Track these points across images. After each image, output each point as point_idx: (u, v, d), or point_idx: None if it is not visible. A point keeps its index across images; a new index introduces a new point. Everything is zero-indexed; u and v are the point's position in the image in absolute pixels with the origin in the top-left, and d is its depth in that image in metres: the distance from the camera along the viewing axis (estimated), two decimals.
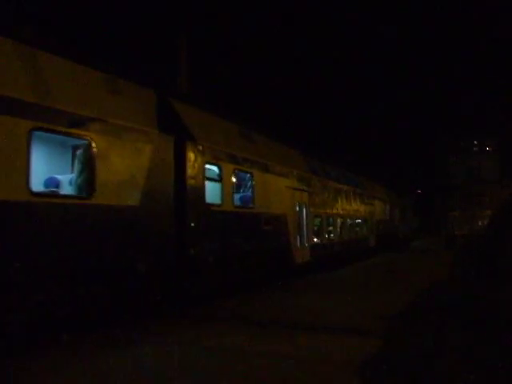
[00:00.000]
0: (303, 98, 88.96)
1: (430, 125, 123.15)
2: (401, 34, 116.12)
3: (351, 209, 29.47)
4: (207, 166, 14.72)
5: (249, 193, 17.52)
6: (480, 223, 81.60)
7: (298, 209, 21.36)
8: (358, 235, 31.04)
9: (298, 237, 21.20)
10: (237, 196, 16.97)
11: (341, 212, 27.48)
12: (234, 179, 16.08)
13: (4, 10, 10.21)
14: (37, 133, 9.14)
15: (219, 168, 15.33)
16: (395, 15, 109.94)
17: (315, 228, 23.99)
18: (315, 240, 23.37)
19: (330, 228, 26.28)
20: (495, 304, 11.87)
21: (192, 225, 13.30)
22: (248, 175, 17.46)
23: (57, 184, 10.63)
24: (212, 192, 14.97)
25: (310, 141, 49.84)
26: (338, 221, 27.36)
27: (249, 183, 17.58)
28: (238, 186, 17.39)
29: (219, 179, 15.31)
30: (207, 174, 14.66)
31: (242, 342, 9.16)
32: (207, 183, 14.57)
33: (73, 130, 9.91)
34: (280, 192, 19.47)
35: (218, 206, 15.09)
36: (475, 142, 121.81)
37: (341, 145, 69.60)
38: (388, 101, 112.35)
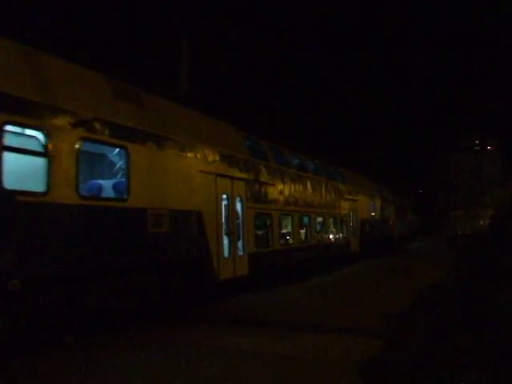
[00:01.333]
0: (305, 98, 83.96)
1: (431, 124, 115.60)
2: (401, 33, 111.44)
3: (321, 205, 22.72)
4: (10, 128, 8.27)
5: (120, 177, 11.00)
6: (482, 222, 75.97)
7: (225, 204, 14.79)
8: (333, 238, 24.33)
9: (226, 243, 14.62)
10: (92, 181, 10.50)
11: (304, 209, 20.75)
12: (79, 153, 9.51)
13: None
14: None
15: (44, 134, 8.79)
16: (395, 15, 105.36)
17: (259, 231, 17.39)
18: (258, 246, 16.72)
19: (286, 230, 19.64)
20: (496, 304, 11.31)
21: None
22: (119, 151, 10.93)
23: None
24: (24, 172, 8.51)
25: (311, 141, 46.47)
26: (300, 220, 20.71)
27: (121, 163, 11.04)
28: (94, 166, 10.95)
29: (43, 152, 8.78)
30: (8, 142, 8.19)
31: None
32: (8, 156, 8.11)
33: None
34: (189, 179, 12.84)
35: (39, 195, 8.56)
36: (476, 141, 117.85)
37: (341, 145, 64.00)
38: (389, 101, 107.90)
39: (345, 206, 25.93)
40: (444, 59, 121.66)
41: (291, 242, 19.40)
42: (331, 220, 24.35)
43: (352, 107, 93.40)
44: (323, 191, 22.84)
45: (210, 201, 13.76)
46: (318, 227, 22.71)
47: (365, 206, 29.97)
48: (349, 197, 26.51)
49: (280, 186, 18.57)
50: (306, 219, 21.19)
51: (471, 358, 7.49)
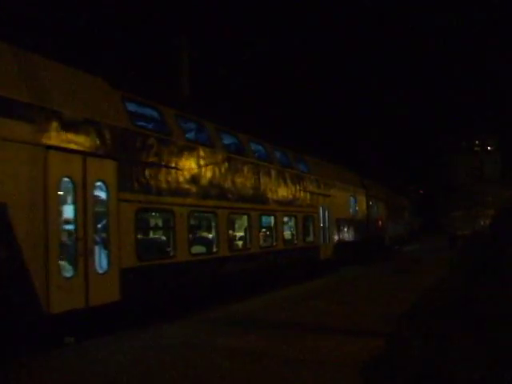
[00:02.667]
0: (305, 98, 79.36)
1: (432, 125, 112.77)
2: (402, 33, 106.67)
3: (270, 201, 16.50)
4: None
5: None
6: (482, 223, 77.81)
7: (69, 193, 8.84)
8: (291, 243, 18.09)
9: (70, 253, 8.67)
10: None
11: (239, 205, 14.62)
12: None
13: None
14: None
15: None
16: (395, 15, 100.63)
17: (147, 234, 11.30)
18: (145, 258, 10.57)
19: (206, 233, 13.54)
20: (497, 304, 10.79)
21: None
22: None
23: None
24: None
25: (311, 140, 45.52)
26: (232, 220, 14.66)
27: None
28: None
29: None
30: None
31: None
32: None
33: None
34: None
35: None
36: (476, 142, 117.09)
37: (341, 145, 62.83)
38: (389, 101, 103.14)
39: (311, 203, 19.68)
40: (444, 59, 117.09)
41: (215, 249, 13.22)
42: (287, 220, 18.18)
43: (352, 107, 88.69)
44: (273, 182, 16.66)
45: (28, 188, 7.74)
46: (265, 230, 16.51)
47: (342, 202, 23.66)
48: (316, 190, 20.28)
49: (193, 172, 12.43)
50: (242, 219, 15.07)
51: (472, 359, 6.96)
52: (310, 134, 54.71)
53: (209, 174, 13.16)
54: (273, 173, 16.79)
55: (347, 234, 24.11)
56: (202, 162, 12.91)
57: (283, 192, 17.33)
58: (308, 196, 19.44)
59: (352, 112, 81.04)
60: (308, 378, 6.26)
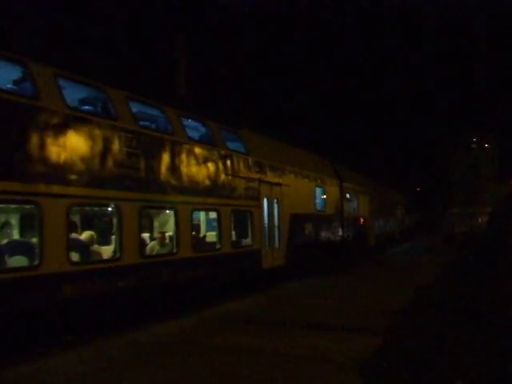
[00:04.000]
0: (305, 97, 75.19)
1: (429, 122, 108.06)
2: (401, 32, 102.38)
3: (168, 187, 10.67)
4: None
5: None
6: (480, 220, 74.68)
7: None
8: (202, 247, 12.22)
9: None
10: None
11: (124, 194, 9.09)
12: None
13: None
14: None
15: None
16: (395, 14, 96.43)
17: None
18: None
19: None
20: (495, 302, 10.26)
21: None
22: None
23: None
24: None
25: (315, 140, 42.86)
26: (107, 215, 9.80)
27: None
28: None
29: None
30: None
31: None
32: None
33: None
34: None
35: None
36: (474, 139, 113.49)
37: (342, 143, 61.13)
38: (387, 99, 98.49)
39: (247, 193, 13.85)
40: (443, 58, 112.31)
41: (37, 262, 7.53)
42: (200, 216, 12.46)
43: (352, 104, 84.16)
44: (175, 163, 10.83)
45: None
46: (158, 230, 10.76)
47: (302, 194, 17.75)
48: (257, 177, 14.48)
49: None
50: (112, 213, 9.37)
51: (470, 357, 6.68)
52: (310, 133, 52.56)
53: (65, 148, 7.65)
54: (175, 150, 10.99)
55: (309, 235, 18.22)
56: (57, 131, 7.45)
57: (194, 177, 11.53)
58: (242, 184, 13.62)
59: (350, 110, 77.29)
60: None
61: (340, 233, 21.90)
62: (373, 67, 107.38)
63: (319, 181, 19.89)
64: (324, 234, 19.78)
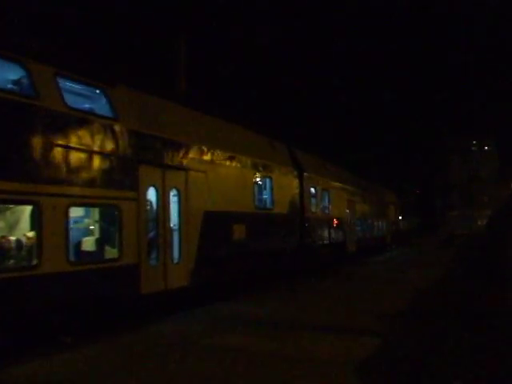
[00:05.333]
0: (304, 95, 70.60)
1: (430, 125, 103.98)
2: (402, 34, 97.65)
3: None
4: None
5: None
6: (479, 223, 71.91)
7: None
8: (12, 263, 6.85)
9: None
10: None
11: None
12: None
13: None
14: None
15: None
16: (396, 15, 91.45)
17: None
18: None
19: None
20: (495, 303, 10.11)
21: None
22: None
23: None
24: None
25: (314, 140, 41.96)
26: None
27: None
28: None
29: None
30: None
31: None
32: None
33: None
34: None
35: None
36: (474, 142, 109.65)
37: (343, 145, 58.16)
38: (388, 101, 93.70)
39: (112, 179, 8.39)
40: (443, 60, 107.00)
41: None
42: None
43: (351, 106, 79.00)
44: None
45: None
46: None
47: (225, 185, 12.07)
48: (134, 157, 8.98)
49: None
50: None
51: (469, 357, 6.46)
52: (308, 132, 49.33)
53: None
54: None
55: (241, 241, 12.61)
56: None
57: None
58: (97, 164, 8.14)
59: (351, 112, 72.48)
60: None
61: (296, 237, 16.30)
62: (372, 68, 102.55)
63: (264, 169, 14.34)
64: (268, 240, 14.18)
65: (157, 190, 9.61)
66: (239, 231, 12.46)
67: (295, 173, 16.61)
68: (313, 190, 18.13)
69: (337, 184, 21.40)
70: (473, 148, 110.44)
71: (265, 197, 14.56)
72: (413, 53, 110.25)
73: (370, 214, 28.94)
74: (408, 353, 6.65)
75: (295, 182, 16.56)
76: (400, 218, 59.69)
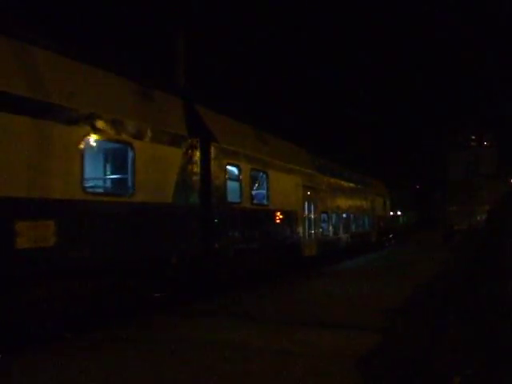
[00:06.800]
0: (302, 91, 65.22)
1: (429, 120, 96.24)
2: (401, 30, 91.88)
3: None
4: None
5: None
6: (478, 218, 68.56)
7: None
8: None
9: None
10: None
11: None
12: None
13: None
14: None
15: None
16: (395, 12, 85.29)
17: None
18: None
19: None
20: (495, 299, 9.42)
21: None
22: None
23: None
24: None
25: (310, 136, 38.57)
26: None
27: None
28: None
29: None
30: None
31: None
32: None
33: None
34: None
35: None
36: (473, 137, 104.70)
37: (341, 141, 54.44)
38: (387, 96, 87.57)
39: None
40: (442, 55, 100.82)
41: None
42: None
43: (351, 101, 73.20)
44: None
45: None
46: None
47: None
48: None
49: None
50: None
51: (469, 354, 6.06)
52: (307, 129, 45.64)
53: None
54: None
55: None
56: None
57: None
58: None
59: (351, 108, 66.61)
60: None
61: (194, 239, 9.82)
62: (373, 62, 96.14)
63: (114, 127, 7.94)
64: (117, 247, 7.81)
65: None
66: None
67: (193, 142, 10.12)
68: (233, 169, 11.67)
69: (284, 164, 14.81)
70: (472, 143, 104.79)
71: (114, 176, 8.19)
72: (413, 46, 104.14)
73: (345, 207, 22.35)
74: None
75: (193, 156, 10.08)
76: (399, 213, 54.92)
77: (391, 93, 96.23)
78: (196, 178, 10.12)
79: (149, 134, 8.81)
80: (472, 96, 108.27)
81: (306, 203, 16.41)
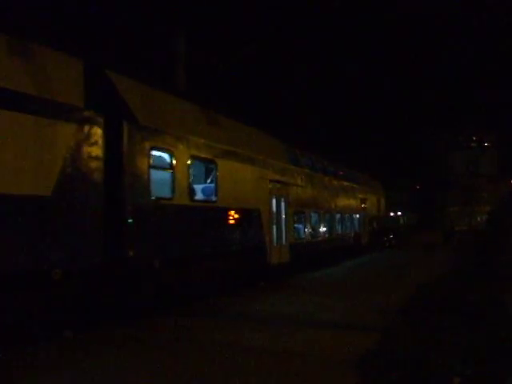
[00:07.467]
0: (304, 96, 63.16)
1: (429, 121, 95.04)
2: (401, 32, 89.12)
3: None
4: None
5: None
6: (479, 219, 68.71)
7: None
8: None
9: None
10: None
11: None
12: None
13: None
14: None
15: None
16: (395, 14, 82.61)
17: None
18: None
19: None
20: (495, 300, 9.31)
21: None
22: None
23: None
24: None
25: (313, 139, 37.56)
26: None
27: None
28: None
29: None
30: None
31: None
32: None
33: None
34: None
35: None
36: (473, 138, 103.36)
37: (342, 141, 52.50)
38: (388, 97, 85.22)
39: None
40: (442, 56, 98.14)
41: None
42: None
43: (351, 102, 70.79)
44: None
45: None
46: None
47: None
48: None
49: None
50: None
51: (469, 354, 5.87)
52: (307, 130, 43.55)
53: None
54: None
55: None
56: None
57: None
58: None
59: (351, 108, 64.30)
60: None
61: (94, 246, 7.06)
62: (372, 63, 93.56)
63: None
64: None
65: None
66: None
67: (93, 116, 7.35)
68: (161, 155, 8.89)
69: (243, 153, 11.95)
70: (473, 144, 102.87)
71: None
72: (413, 49, 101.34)
73: (329, 206, 19.51)
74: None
75: (93, 136, 7.32)
76: (399, 213, 53.53)
77: (391, 93, 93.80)
78: (98, 164, 7.35)
79: (10, 98, 6.07)
80: (473, 96, 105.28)
81: (275, 200, 13.61)
